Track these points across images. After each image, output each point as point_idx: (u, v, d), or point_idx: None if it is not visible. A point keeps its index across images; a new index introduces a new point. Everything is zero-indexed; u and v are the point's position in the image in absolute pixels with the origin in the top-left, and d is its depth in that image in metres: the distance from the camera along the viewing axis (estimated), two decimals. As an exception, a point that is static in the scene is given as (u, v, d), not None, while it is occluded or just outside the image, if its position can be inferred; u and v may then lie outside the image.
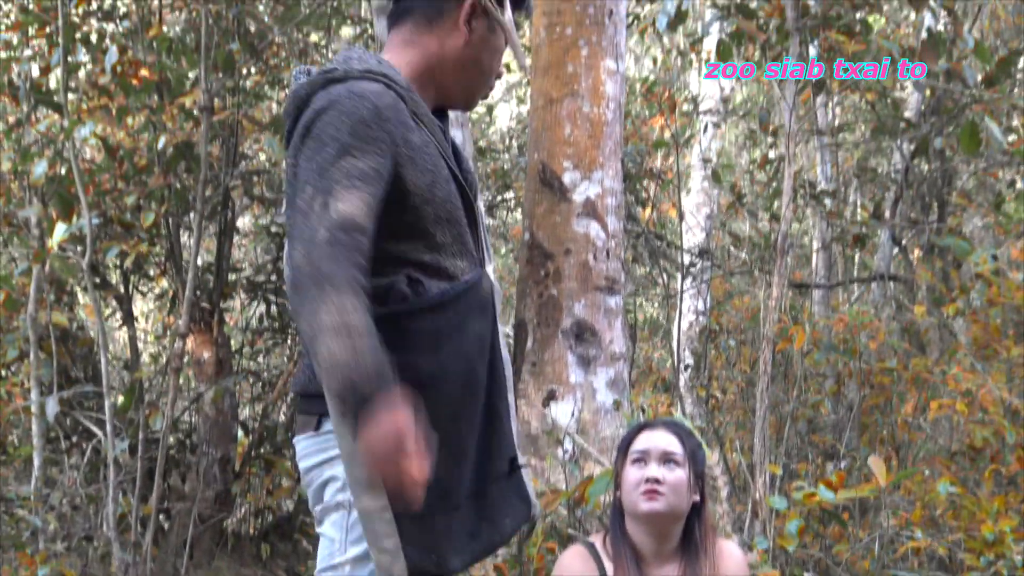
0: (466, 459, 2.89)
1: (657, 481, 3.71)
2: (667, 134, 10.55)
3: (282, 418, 8.65)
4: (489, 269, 3.06)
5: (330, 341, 2.49)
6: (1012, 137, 9.13)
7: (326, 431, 2.81)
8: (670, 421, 3.99)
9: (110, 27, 7.85)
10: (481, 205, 3.30)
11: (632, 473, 3.78)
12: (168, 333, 8.55)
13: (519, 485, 3.09)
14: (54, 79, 7.37)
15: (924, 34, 7.44)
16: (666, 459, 3.76)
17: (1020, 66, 9.97)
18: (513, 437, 3.07)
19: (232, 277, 8.34)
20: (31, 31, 7.29)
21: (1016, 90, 9.61)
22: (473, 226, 3.00)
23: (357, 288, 2.55)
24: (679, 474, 3.74)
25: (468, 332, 2.87)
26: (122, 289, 7.98)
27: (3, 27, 7.72)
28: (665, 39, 14.22)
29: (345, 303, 2.51)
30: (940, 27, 9.18)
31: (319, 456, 2.84)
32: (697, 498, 3.81)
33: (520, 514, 3.08)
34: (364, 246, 2.61)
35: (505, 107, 17.36)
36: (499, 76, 3.19)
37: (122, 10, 8.15)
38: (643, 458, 3.78)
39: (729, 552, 3.88)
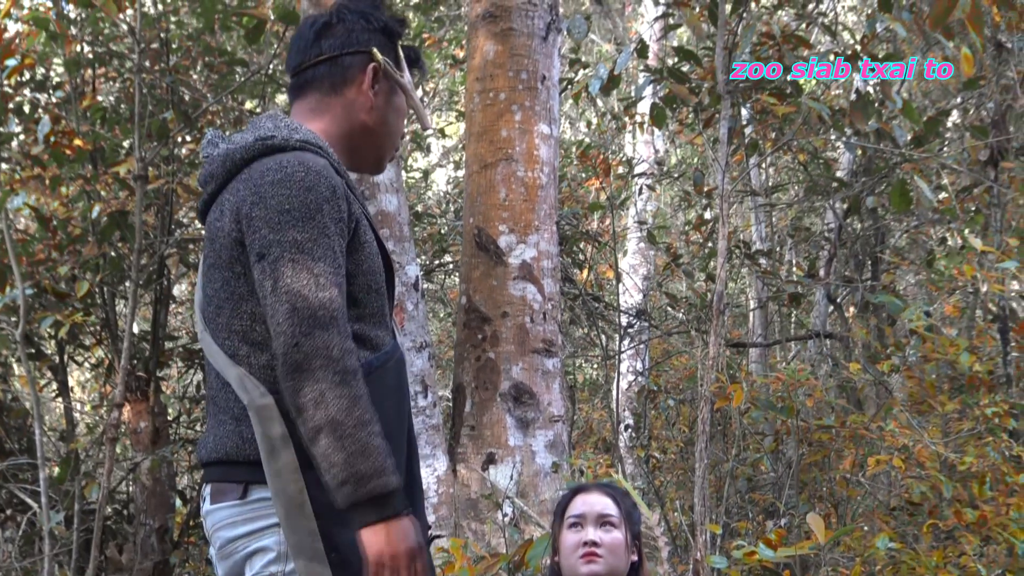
0: None
1: (595, 544, 3.72)
2: (602, 196, 10.61)
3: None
4: (399, 339, 3.08)
5: (357, 433, 2.59)
6: (942, 195, 9.25)
7: (254, 499, 2.80)
8: (604, 484, 4.03)
9: (43, 97, 7.83)
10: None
11: (569, 537, 3.79)
12: (104, 403, 8.48)
13: (430, 555, 3.08)
14: (-14, 149, 7.34)
15: (853, 95, 7.54)
16: (603, 521, 3.77)
17: (948, 125, 10.12)
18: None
19: (168, 345, 8.29)
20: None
21: (945, 149, 9.74)
22: (390, 297, 3.02)
23: (361, 378, 2.66)
24: (616, 536, 3.75)
25: (391, 401, 2.88)
26: (57, 359, 7.91)
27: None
28: (599, 103, 14.33)
29: (361, 397, 2.63)
30: (869, 88, 9.31)
31: (247, 526, 2.81)
32: (635, 558, 3.82)
33: None
34: (349, 329, 2.72)
35: (442, 171, 17.41)
36: (404, 136, 3.25)
37: (55, 80, 8.13)
38: (580, 522, 3.79)
39: None
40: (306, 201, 2.72)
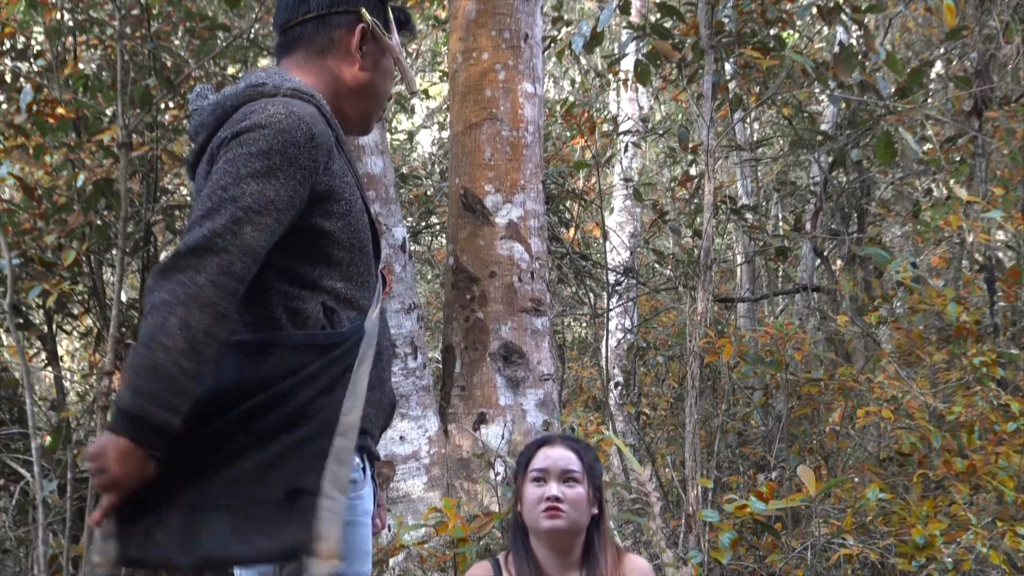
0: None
1: (558, 499, 3.77)
2: (588, 154, 10.60)
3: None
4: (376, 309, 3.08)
5: (160, 352, 2.50)
6: (927, 146, 9.25)
7: None
8: (567, 436, 4.08)
9: (24, 66, 7.79)
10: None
11: (533, 491, 3.85)
12: (94, 371, 8.46)
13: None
14: (-31, 120, 7.30)
15: (837, 48, 7.52)
16: (566, 477, 3.82)
17: (932, 76, 10.12)
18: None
19: (157, 313, 8.26)
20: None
21: (929, 100, 9.74)
22: (376, 258, 3.02)
23: (224, 324, 2.58)
24: (579, 490, 3.81)
25: (372, 362, 2.89)
26: (46, 329, 7.89)
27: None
28: (582, 60, 14.30)
29: (192, 328, 2.52)
30: (852, 40, 9.29)
31: None
32: (595, 511, 3.88)
33: None
34: (251, 276, 2.63)
35: (426, 133, 17.37)
36: (390, 98, 3.23)
37: (36, 48, 8.08)
38: (543, 477, 3.85)
39: (638, 567, 3.93)
40: (272, 143, 2.68)
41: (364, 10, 3.05)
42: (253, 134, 2.70)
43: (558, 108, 11.72)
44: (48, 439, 7.08)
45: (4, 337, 8.68)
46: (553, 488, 3.80)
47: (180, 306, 2.51)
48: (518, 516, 3.94)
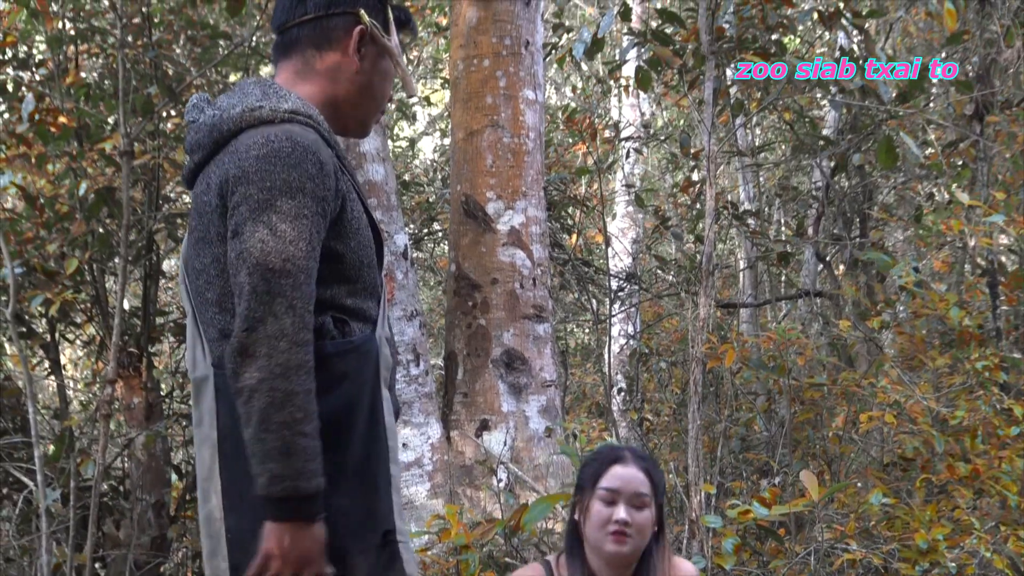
0: (378, 490, 2.87)
1: (626, 524, 3.67)
2: (589, 161, 10.60)
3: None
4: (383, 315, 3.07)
5: (282, 430, 2.55)
6: (928, 151, 9.25)
7: None
8: (640, 454, 3.89)
9: (26, 75, 7.79)
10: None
11: (600, 510, 3.70)
12: (97, 379, 8.46)
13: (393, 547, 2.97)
14: (-29, 129, 7.31)
15: (837, 53, 7.52)
16: (636, 501, 3.69)
17: (933, 81, 10.13)
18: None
19: (159, 321, 8.27)
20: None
21: (930, 104, 9.74)
22: (379, 265, 3.01)
23: (311, 377, 2.62)
24: (647, 514, 3.68)
25: (377, 367, 2.89)
26: (48, 337, 7.90)
27: (-83, 79, 7.65)
28: (583, 67, 14.30)
29: (297, 394, 2.58)
30: (853, 45, 9.29)
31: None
32: (656, 528, 3.79)
33: None
34: (312, 319, 2.67)
35: (428, 140, 17.38)
36: (390, 100, 3.20)
37: (38, 57, 8.09)
38: (614, 498, 3.70)
39: (685, 572, 3.87)
40: (288, 179, 2.66)
41: (362, 11, 3.00)
42: (262, 170, 2.68)
43: (559, 114, 11.74)
44: (51, 448, 7.08)
45: (7, 346, 8.68)
46: (622, 512, 3.65)
47: (276, 379, 2.56)
48: (577, 526, 3.85)
